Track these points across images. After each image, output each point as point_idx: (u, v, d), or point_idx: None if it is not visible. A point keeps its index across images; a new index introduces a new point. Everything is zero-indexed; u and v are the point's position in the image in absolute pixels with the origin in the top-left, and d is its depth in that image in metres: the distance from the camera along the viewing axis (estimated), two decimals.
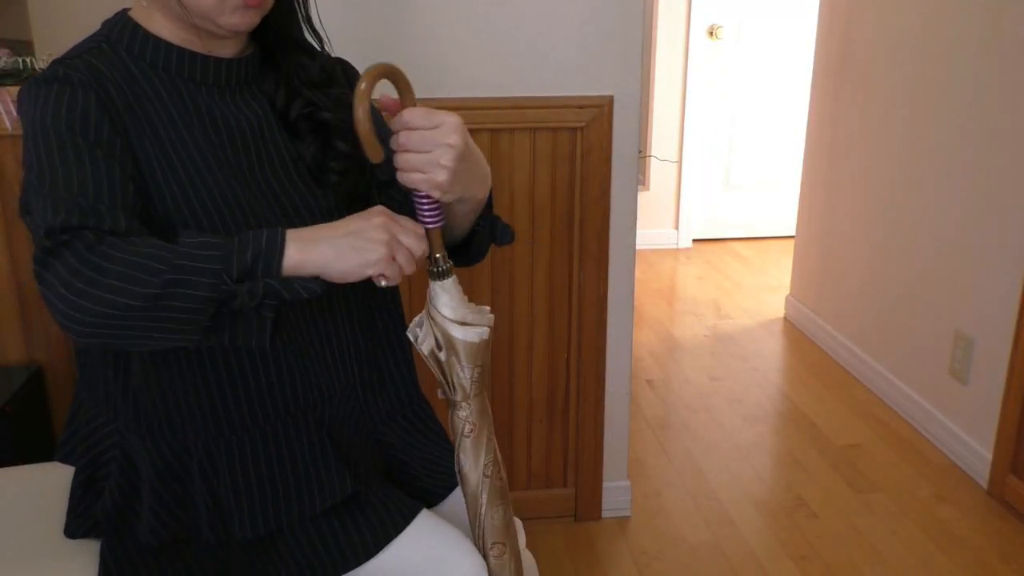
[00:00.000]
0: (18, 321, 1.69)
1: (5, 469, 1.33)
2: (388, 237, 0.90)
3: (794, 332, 3.40)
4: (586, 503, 2.13)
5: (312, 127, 1.08)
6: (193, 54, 1.02)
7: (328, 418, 1.09)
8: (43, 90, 0.94)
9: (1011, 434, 2.18)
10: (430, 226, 0.98)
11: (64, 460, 1.14)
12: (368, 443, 1.15)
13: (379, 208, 0.92)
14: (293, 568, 1.05)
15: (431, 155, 0.94)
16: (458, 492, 1.18)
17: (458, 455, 1.04)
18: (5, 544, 1.14)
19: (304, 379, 1.06)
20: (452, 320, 0.99)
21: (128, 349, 1.01)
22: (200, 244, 0.85)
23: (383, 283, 0.91)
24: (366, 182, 1.13)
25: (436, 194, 0.96)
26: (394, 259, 0.90)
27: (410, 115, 0.94)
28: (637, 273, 2.22)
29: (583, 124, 1.83)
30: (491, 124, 1.80)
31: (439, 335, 0.99)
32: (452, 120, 0.95)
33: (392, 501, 1.09)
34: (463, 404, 1.02)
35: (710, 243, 4.52)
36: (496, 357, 1.96)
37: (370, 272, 0.89)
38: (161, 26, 1.01)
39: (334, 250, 0.88)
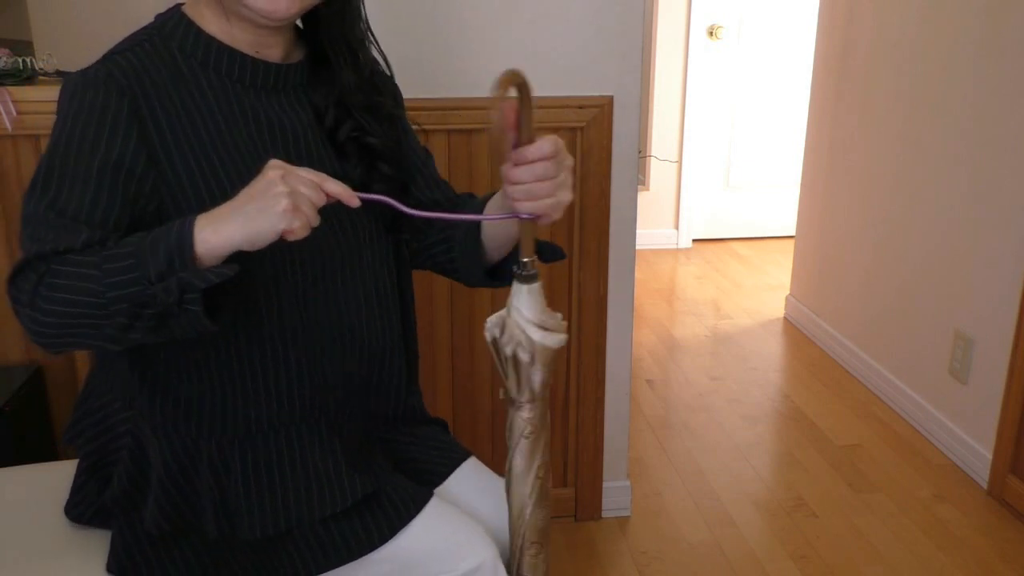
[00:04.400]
0: (18, 321, 1.69)
1: (8, 468, 1.33)
2: (288, 188, 0.87)
3: (794, 332, 3.40)
4: (586, 503, 2.13)
5: (358, 149, 1.10)
6: (244, 56, 1.03)
7: (339, 420, 1.10)
8: (79, 91, 0.95)
9: (1011, 434, 2.18)
10: (524, 217, 0.98)
11: (71, 442, 1.14)
12: (373, 439, 1.16)
13: (273, 163, 0.89)
14: (307, 555, 1.06)
15: (559, 179, 0.96)
16: (460, 472, 1.19)
17: (513, 455, 1.04)
18: (13, 539, 1.14)
19: (320, 381, 1.07)
20: (532, 323, 0.98)
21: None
22: (113, 256, 0.86)
23: (291, 238, 0.88)
24: (407, 201, 1.14)
25: (559, 215, 0.98)
26: (299, 208, 0.87)
27: (542, 147, 0.96)
28: (637, 273, 2.22)
29: (583, 124, 1.83)
30: (491, 124, 1.80)
31: (518, 335, 0.98)
32: (561, 141, 0.98)
33: (403, 489, 1.10)
34: (528, 406, 1.02)
35: (710, 243, 4.52)
36: None
37: (282, 226, 0.86)
38: (209, 21, 1.02)
39: (243, 218, 0.86)
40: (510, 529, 1.06)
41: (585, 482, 2.10)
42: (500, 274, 1.15)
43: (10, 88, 1.56)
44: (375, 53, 1.15)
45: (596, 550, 2.04)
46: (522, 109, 0.95)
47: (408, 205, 1.13)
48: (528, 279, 0.98)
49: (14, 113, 1.55)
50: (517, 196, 0.96)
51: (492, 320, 1.01)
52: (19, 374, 1.66)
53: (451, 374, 1.95)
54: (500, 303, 2.00)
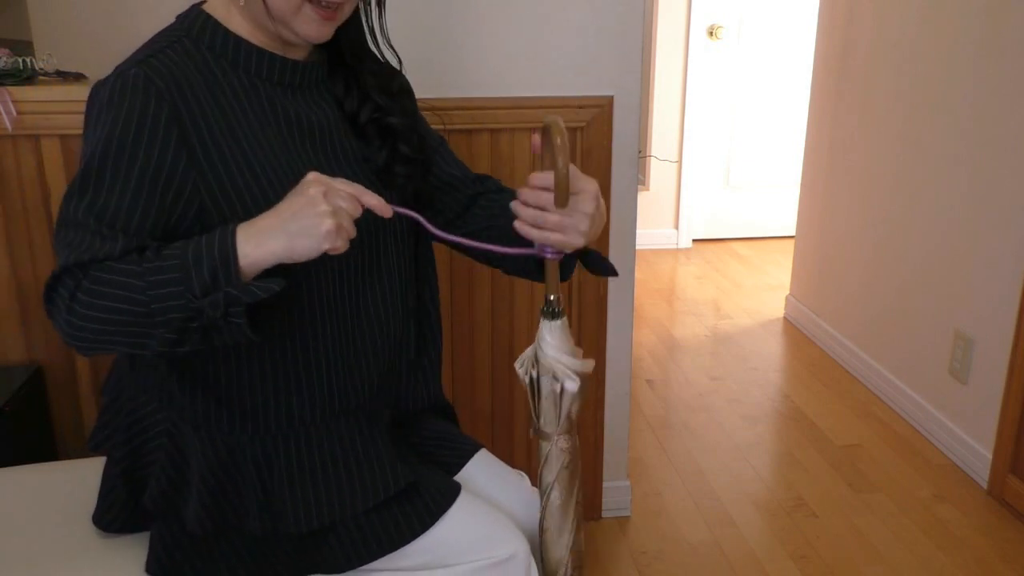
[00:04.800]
0: (18, 321, 1.69)
1: (9, 468, 1.33)
2: (329, 208, 0.89)
3: (794, 332, 3.40)
4: (586, 503, 2.12)
5: (379, 131, 1.12)
6: (272, 55, 1.05)
7: (375, 411, 1.12)
8: (117, 95, 0.95)
9: (1011, 434, 2.18)
10: (549, 257, 1.01)
11: (98, 447, 1.14)
12: (402, 430, 1.19)
13: (313, 177, 0.91)
14: (349, 548, 1.07)
15: (571, 220, 0.98)
16: (474, 465, 1.22)
17: (551, 488, 1.07)
18: (37, 540, 1.14)
19: (356, 373, 1.09)
20: (565, 354, 1.02)
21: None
22: (157, 269, 0.87)
23: (333, 253, 0.90)
24: (428, 184, 1.18)
25: (567, 250, 1.01)
26: (342, 226, 0.90)
27: (545, 177, 0.97)
28: (637, 273, 2.23)
29: (583, 124, 1.83)
30: (491, 124, 1.80)
31: (559, 368, 1.02)
32: (592, 188, 0.99)
33: (437, 480, 1.12)
34: (565, 436, 1.05)
35: (710, 243, 4.52)
36: (497, 357, 1.96)
37: (325, 246, 0.89)
38: (239, 25, 1.03)
39: (285, 237, 0.88)
40: (548, 558, 1.09)
41: (585, 482, 2.10)
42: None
43: (10, 88, 1.56)
44: (390, 55, 1.18)
45: (596, 550, 2.04)
46: (544, 147, 0.98)
47: (432, 186, 1.18)
48: (555, 315, 1.02)
49: (14, 113, 1.55)
50: (523, 217, 0.99)
51: (523, 361, 1.04)
52: (19, 374, 1.66)
53: (451, 374, 1.95)
54: (500, 299, 2.00)
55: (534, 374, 1.03)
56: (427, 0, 1.74)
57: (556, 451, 1.05)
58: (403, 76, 1.21)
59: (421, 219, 1.01)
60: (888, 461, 2.45)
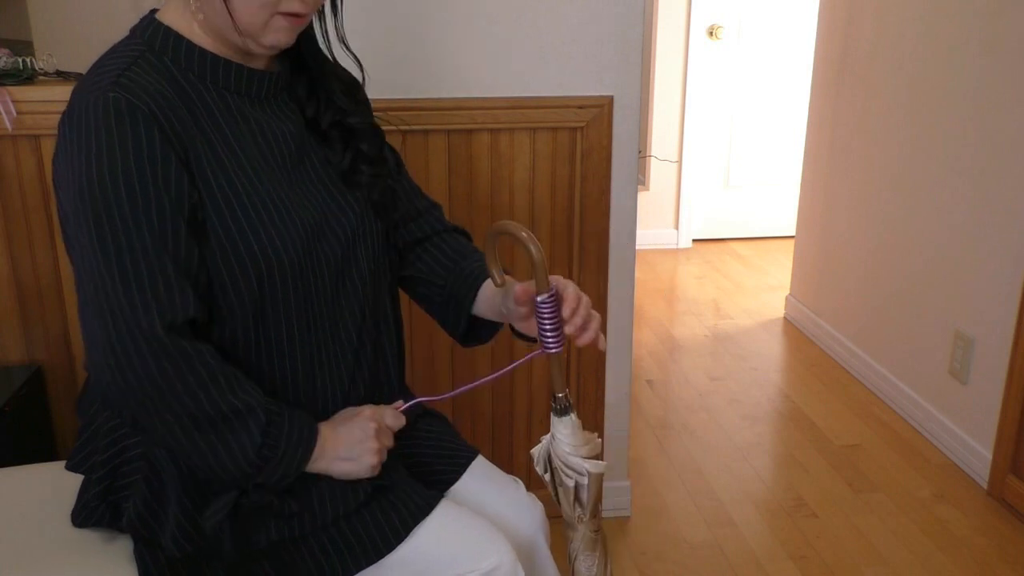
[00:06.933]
0: (18, 321, 1.69)
1: (9, 469, 1.33)
2: (379, 446, 1.05)
3: (794, 332, 3.40)
4: None
5: (342, 134, 1.12)
6: (240, 66, 1.03)
7: None
8: (103, 125, 0.91)
9: (1011, 434, 2.18)
10: (553, 351, 1.05)
11: (75, 469, 1.12)
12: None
13: (369, 414, 1.06)
14: (324, 563, 1.06)
15: (593, 315, 1.07)
16: (470, 474, 1.22)
17: (577, 567, 1.11)
18: (21, 542, 1.14)
19: (321, 386, 1.08)
20: (571, 452, 1.06)
21: None
22: (275, 425, 0.98)
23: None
24: (392, 187, 1.18)
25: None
26: (383, 458, 1.06)
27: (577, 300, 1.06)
28: (637, 273, 2.23)
29: (583, 124, 1.83)
30: (491, 124, 1.80)
31: (563, 464, 1.06)
32: (566, 282, 1.08)
33: (414, 491, 1.11)
34: (590, 521, 1.09)
35: (710, 243, 4.52)
36: (497, 357, 1.96)
37: (364, 477, 1.05)
38: (198, 36, 1.01)
39: (338, 465, 1.04)
40: None
41: None
42: (476, 329, 1.23)
43: (10, 88, 1.56)
44: (346, 58, 1.16)
45: None
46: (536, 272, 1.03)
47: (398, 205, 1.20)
48: (563, 412, 1.06)
49: (14, 113, 1.55)
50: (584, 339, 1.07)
51: (539, 458, 1.09)
52: (19, 374, 1.66)
53: (451, 375, 1.95)
54: None
55: (546, 467, 1.08)
56: (427, 0, 1.74)
57: (587, 535, 1.09)
58: (363, 91, 1.19)
59: (422, 399, 1.17)
60: (888, 461, 2.45)
